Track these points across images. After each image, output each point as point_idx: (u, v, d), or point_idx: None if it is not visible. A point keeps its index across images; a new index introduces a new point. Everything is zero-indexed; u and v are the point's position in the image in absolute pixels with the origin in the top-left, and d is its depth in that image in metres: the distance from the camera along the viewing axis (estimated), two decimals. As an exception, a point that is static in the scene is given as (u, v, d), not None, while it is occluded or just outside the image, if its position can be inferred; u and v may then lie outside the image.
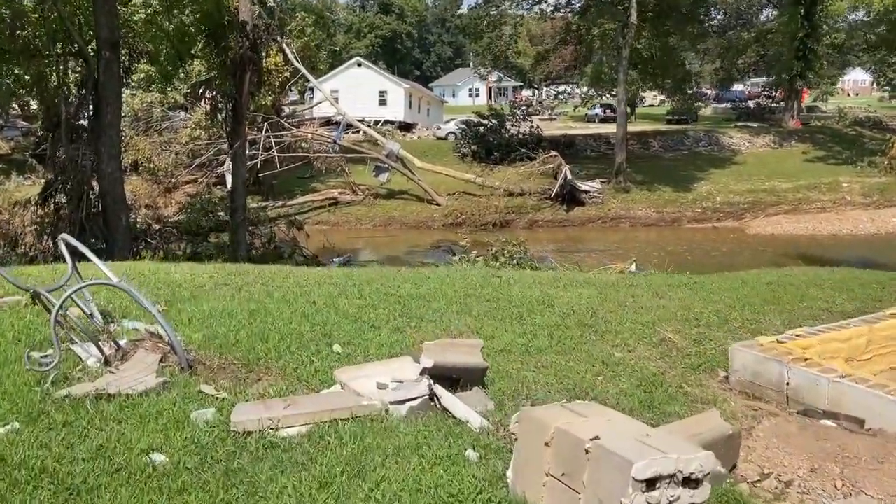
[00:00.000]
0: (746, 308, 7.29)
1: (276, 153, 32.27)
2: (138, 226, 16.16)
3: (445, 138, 47.26)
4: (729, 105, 71.07)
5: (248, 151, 23.57)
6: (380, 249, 30.14)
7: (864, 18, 62.53)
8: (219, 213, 21.78)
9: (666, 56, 34.96)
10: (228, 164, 20.69)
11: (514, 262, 16.13)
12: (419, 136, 51.50)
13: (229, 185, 18.37)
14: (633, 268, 17.87)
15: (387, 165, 34.72)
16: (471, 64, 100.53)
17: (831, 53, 51.74)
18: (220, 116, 15.90)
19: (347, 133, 41.19)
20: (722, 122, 55.44)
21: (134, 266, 8.75)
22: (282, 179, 35.51)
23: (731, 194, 34.27)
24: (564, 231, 32.34)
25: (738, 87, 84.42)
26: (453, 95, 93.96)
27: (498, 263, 13.34)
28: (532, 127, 40.74)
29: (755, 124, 50.94)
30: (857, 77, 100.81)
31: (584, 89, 66.45)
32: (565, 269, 17.60)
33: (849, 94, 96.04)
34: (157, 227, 17.33)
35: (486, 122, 41.18)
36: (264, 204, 33.74)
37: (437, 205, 33.99)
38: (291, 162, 34.49)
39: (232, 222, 13.11)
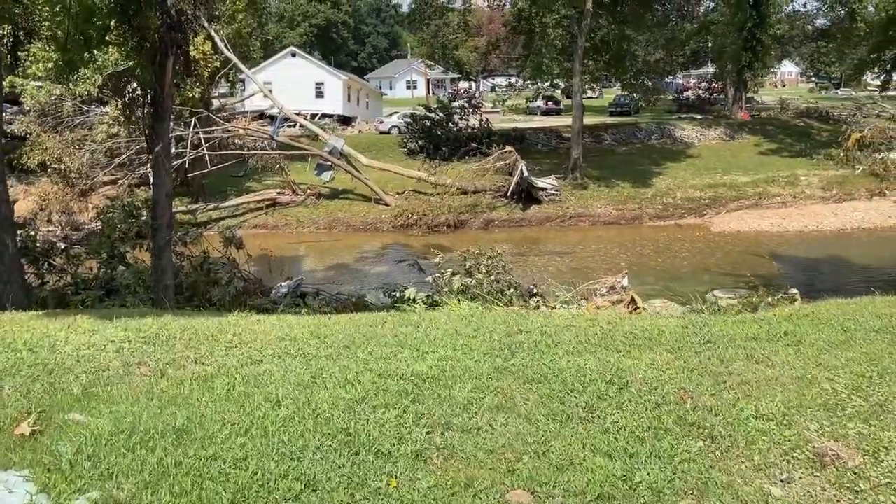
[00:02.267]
0: (889, 376, 5.25)
1: (205, 151, 29.13)
2: (38, 244, 13.20)
3: (389, 132, 44.73)
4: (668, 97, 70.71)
5: (174, 149, 20.60)
6: (325, 255, 27.54)
7: (801, 10, 63.09)
8: (142, 218, 18.87)
9: (623, 45, 33.34)
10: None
11: (493, 279, 13.95)
12: (360, 131, 48.76)
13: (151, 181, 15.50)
14: (625, 281, 15.94)
15: (330, 163, 32.01)
16: (408, 55, 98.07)
17: (773, 45, 51.46)
18: (137, 112, 13.10)
19: (283, 128, 38.18)
20: (663, 114, 54.61)
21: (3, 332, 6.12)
22: (213, 179, 32.38)
23: (691, 189, 32.99)
24: (522, 231, 30.39)
25: (671, 78, 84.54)
26: (390, 88, 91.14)
27: (501, 303, 11.08)
28: (482, 120, 38.67)
29: (699, 116, 50.22)
30: (784, 69, 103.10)
31: (523, 81, 65.02)
32: (554, 287, 15.59)
33: (775, 86, 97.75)
34: (62, 245, 14.36)
35: (432, 115, 38.86)
36: (194, 207, 30.63)
37: (386, 205, 31.54)
38: (223, 160, 31.38)
39: (154, 245, 10.46)
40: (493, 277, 13.97)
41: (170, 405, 4.51)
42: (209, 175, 30.99)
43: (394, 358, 5.52)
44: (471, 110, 39.36)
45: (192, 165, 29.48)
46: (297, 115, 37.48)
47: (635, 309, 14.99)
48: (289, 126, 41.05)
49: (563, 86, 67.61)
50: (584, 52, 32.41)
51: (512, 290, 14.46)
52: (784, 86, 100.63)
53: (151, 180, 12.24)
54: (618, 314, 7.23)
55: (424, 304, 12.94)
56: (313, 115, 47.07)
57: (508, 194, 30.81)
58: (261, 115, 45.92)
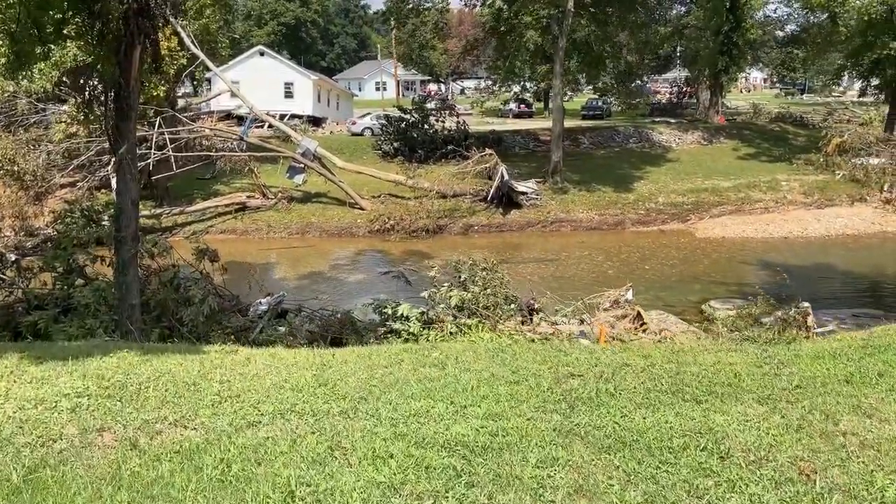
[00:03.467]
0: None
1: (171, 152, 27.55)
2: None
3: (362, 134, 43.42)
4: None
5: (138, 151, 19.11)
6: (299, 263, 26.20)
7: (772, 15, 63.45)
8: (104, 223, 17.43)
9: (604, 47, 32.58)
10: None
11: (490, 292, 12.86)
12: (331, 132, 47.36)
13: (114, 186, 14.17)
14: (629, 295, 15.02)
15: (302, 165, 30.67)
16: (377, 56, 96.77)
17: (747, 49, 51.42)
18: (99, 110, 11.77)
19: (252, 128, 36.65)
20: (636, 118, 54.17)
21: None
22: (178, 182, 30.79)
23: (673, 194, 32.37)
24: (502, 237, 29.40)
25: (641, 82, 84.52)
26: (359, 89, 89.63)
27: (524, 329, 10.03)
28: (458, 122, 37.62)
29: (673, 120, 49.87)
30: (750, 75, 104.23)
31: (494, 84, 64.20)
32: (552, 299, 14.59)
33: (741, 91, 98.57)
34: (12, 257, 12.91)
35: (407, 116, 37.70)
36: (158, 211, 29.02)
37: (361, 209, 30.29)
38: (189, 162, 29.82)
39: (118, 259, 9.19)
40: (489, 291, 12.89)
41: (144, 499, 3.34)
42: (174, 177, 29.40)
43: (426, 416, 4.41)
44: (447, 112, 38.27)
45: (157, 167, 27.89)
46: (267, 115, 36.00)
47: (641, 324, 14.10)
48: (258, 127, 39.52)
49: (534, 89, 67.24)
50: (565, 54, 31.55)
51: (511, 304, 13.46)
52: (749, 91, 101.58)
53: (115, 186, 10.94)
54: (672, 348, 6.19)
55: (419, 321, 11.85)
56: (282, 116, 45.52)
57: (488, 199, 29.80)
58: (228, 116, 44.31)
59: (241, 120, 40.55)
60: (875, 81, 39.29)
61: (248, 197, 30.58)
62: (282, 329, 11.03)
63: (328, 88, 57.88)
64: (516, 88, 63.37)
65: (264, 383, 5.02)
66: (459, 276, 13.08)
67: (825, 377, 5.24)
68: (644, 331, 13.26)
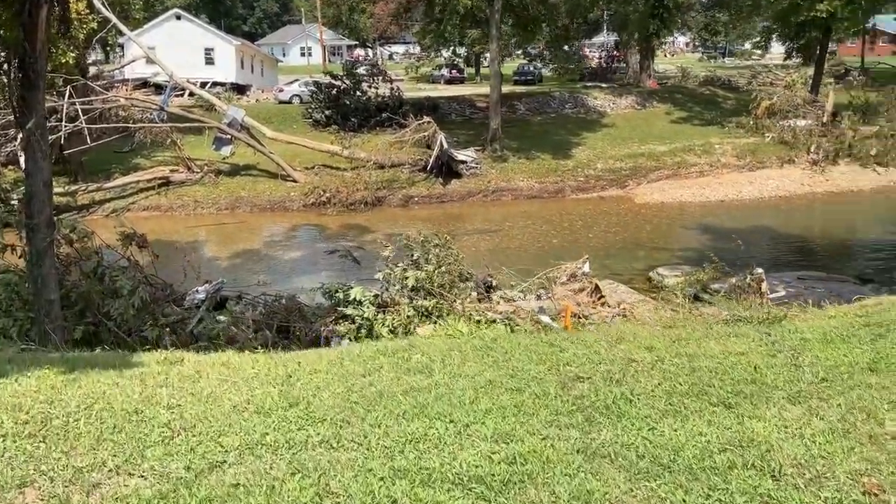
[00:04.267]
0: None
1: (84, 124, 25.49)
2: None
3: (290, 102, 41.66)
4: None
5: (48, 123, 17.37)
6: (230, 240, 24.86)
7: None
8: (13, 203, 15.83)
9: (540, 10, 31.90)
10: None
11: (444, 270, 12.18)
12: (257, 100, 45.34)
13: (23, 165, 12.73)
14: (586, 267, 14.60)
15: (229, 136, 29.06)
16: (302, 20, 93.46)
17: (676, 13, 51.74)
18: (1, 80, 10.45)
19: (172, 97, 34.51)
20: (566, 83, 53.99)
21: None
22: (94, 156, 28.69)
23: (611, 160, 32.30)
24: (443, 208, 28.72)
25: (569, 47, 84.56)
26: (284, 54, 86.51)
27: (459, 299, 9.38)
28: (392, 89, 36.44)
29: (604, 85, 49.91)
30: (673, 39, 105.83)
31: (423, 50, 62.94)
32: (502, 274, 14.03)
33: (666, 55, 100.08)
34: None
35: (339, 83, 36.27)
36: (73, 188, 26.98)
37: (295, 181, 29.00)
38: (105, 134, 27.77)
39: (30, 250, 8.10)
40: (444, 269, 12.21)
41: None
42: (89, 151, 27.33)
43: (425, 441, 3.71)
44: (380, 78, 37.00)
45: (70, 141, 25.82)
46: (188, 83, 33.93)
47: (600, 298, 13.74)
48: (178, 95, 37.36)
49: (465, 55, 66.26)
50: (500, 17, 30.76)
51: (467, 282, 12.83)
52: (674, 55, 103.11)
53: (24, 166, 9.66)
54: (670, 336, 5.65)
55: (372, 304, 11.09)
56: (204, 84, 43.19)
57: (428, 168, 28.99)
58: (145, 84, 41.73)
59: (159, 88, 38.24)
60: (801, 43, 40.08)
61: (172, 171, 28.81)
62: (223, 319, 10.07)
63: (251, 54, 55.39)
64: (446, 54, 62.33)
65: (223, 406, 4.21)
66: (412, 255, 12.34)
67: (848, 366, 4.80)
68: (602, 304, 12.89)
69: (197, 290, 11.07)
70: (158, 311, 9.79)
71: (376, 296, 11.05)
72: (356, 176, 28.37)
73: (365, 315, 10.60)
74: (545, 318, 11.96)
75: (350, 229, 25.66)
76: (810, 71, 43.11)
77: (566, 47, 38.04)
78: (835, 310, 6.86)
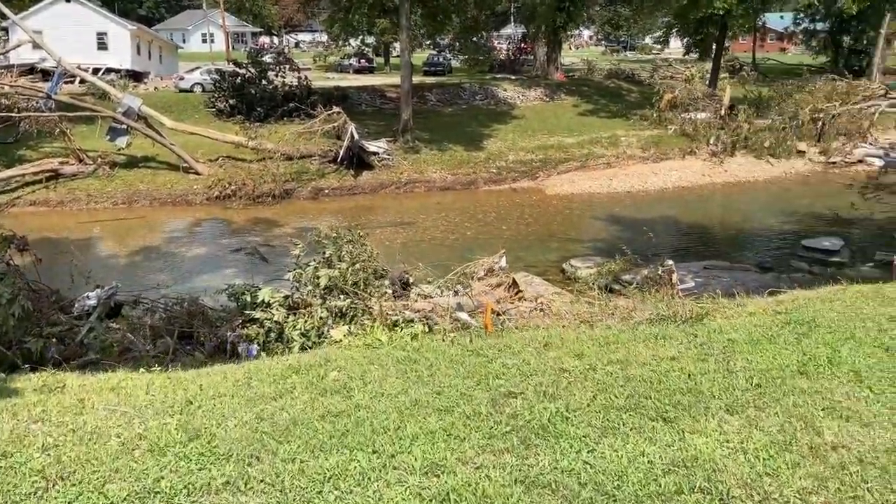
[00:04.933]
0: None
1: (-41, 113, 23.37)
2: None
3: (191, 90, 39.72)
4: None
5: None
6: (128, 237, 23.40)
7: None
8: None
9: (453, 1, 31.63)
10: None
11: (358, 267, 11.70)
12: (155, 88, 43.02)
13: None
14: (503, 262, 14.43)
15: (125, 126, 27.33)
16: (203, 5, 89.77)
17: (582, 6, 52.67)
18: None
19: (61, 85, 32.18)
20: (476, 74, 54.12)
21: None
22: (-29, 147, 26.45)
23: (522, 152, 32.50)
24: (355, 200, 28.08)
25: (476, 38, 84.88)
26: (184, 40, 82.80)
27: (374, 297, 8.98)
28: (300, 78, 35.33)
29: (513, 77, 50.29)
30: (576, 32, 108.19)
31: (331, 39, 61.64)
32: (419, 270, 13.63)
33: (570, 48, 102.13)
34: None
35: (243, 71, 34.85)
36: (-52, 183, 24.74)
37: (197, 174, 27.64)
38: (-16, 124, 25.61)
39: None
40: (358, 266, 11.72)
41: None
42: (-34, 142, 25.14)
43: (346, 477, 3.30)
44: (286, 66, 35.80)
45: (-58, 131, 23.62)
46: (79, 69, 31.73)
47: (517, 293, 13.60)
48: (68, 82, 34.90)
49: (373, 44, 65.40)
50: (410, 6, 30.30)
51: (382, 279, 12.38)
52: (578, 48, 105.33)
53: None
54: (597, 339, 5.45)
55: (282, 306, 10.49)
56: (97, 70, 40.63)
57: (338, 160, 28.25)
58: (31, 70, 38.89)
59: (47, 75, 35.63)
60: (699, 38, 41.58)
61: (62, 163, 26.87)
62: (116, 328, 9.26)
63: (149, 40, 52.54)
64: (355, 43, 61.29)
65: (110, 445, 3.65)
66: (324, 252, 11.78)
67: (779, 370, 4.71)
68: (520, 299, 12.76)
69: (87, 296, 10.14)
70: (43, 320, 8.88)
71: (286, 297, 10.45)
72: (263, 168, 27.31)
73: (274, 318, 10.01)
74: (463, 316, 11.68)
75: (257, 223, 24.68)
76: (707, 66, 44.94)
77: (476, 38, 37.66)
78: (753, 305, 6.88)
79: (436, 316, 11.27)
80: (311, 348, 10.16)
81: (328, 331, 10.35)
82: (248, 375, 4.72)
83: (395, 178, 29.12)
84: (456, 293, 12.72)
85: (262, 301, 10.17)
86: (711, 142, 33.34)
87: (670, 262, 14.29)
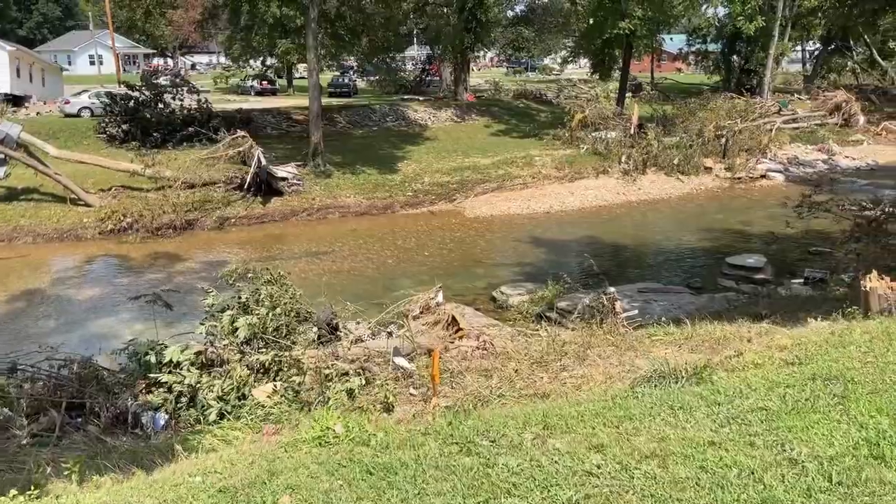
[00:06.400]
0: None
1: None
2: None
3: (78, 115, 36.76)
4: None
5: None
6: (8, 280, 20.87)
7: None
8: None
9: (360, 20, 30.56)
10: None
11: (279, 311, 10.33)
12: (38, 113, 39.70)
13: None
14: (439, 297, 13.32)
15: (2, 156, 24.66)
16: (90, 26, 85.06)
17: (489, 27, 52.74)
18: None
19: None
20: (382, 96, 53.20)
21: None
22: None
23: (438, 174, 31.70)
24: (264, 229, 26.37)
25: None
26: (69, 63, 77.89)
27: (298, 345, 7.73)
28: (200, 101, 33.28)
29: (420, 98, 49.68)
30: (480, 52, 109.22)
31: (230, 60, 59.39)
32: (345, 308, 12.30)
33: (474, 69, 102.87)
34: None
35: (137, 94, 32.49)
36: None
37: (88, 206, 25.27)
38: None
39: None
40: (279, 310, 10.36)
41: None
42: None
43: None
44: (184, 88, 33.66)
45: None
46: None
47: (457, 331, 12.54)
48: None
49: (276, 64, 63.33)
50: (318, 25, 29.03)
51: (307, 323, 11.02)
52: (482, 69, 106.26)
53: None
54: (604, 413, 4.45)
55: (194, 365, 9.01)
56: (-31, 94, 37.11)
57: (245, 187, 26.52)
58: None
59: None
60: (604, 59, 42.20)
61: (-73, 198, 23.88)
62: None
63: (30, 62, 48.71)
64: (255, 64, 59.16)
65: None
66: (239, 297, 10.34)
67: (848, 455, 3.82)
68: (461, 337, 11.71)
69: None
70: None
71: (198, 353, 9.00)
72: (162, 197, 25.25)
73: (186, 381, 8.53)
74: (401, 361, 10.54)
75: (157, 258, 22.64)
76: (610, 86, 45.69)
77: (387, 60, 36.76)
78: (752, 352, 6.10)
79: (373, 365, 10.09)
80: (230, 413, 8.77)
81: (250, 391, 8.98)
82: (136, 490, 3.40)
83: (307, 204, 27.63)
84: (390, 335, 11.54)
85: (170, 360, 8.68)
86: (623, 160, 33.58)
87: (612, 289, 13.65)
